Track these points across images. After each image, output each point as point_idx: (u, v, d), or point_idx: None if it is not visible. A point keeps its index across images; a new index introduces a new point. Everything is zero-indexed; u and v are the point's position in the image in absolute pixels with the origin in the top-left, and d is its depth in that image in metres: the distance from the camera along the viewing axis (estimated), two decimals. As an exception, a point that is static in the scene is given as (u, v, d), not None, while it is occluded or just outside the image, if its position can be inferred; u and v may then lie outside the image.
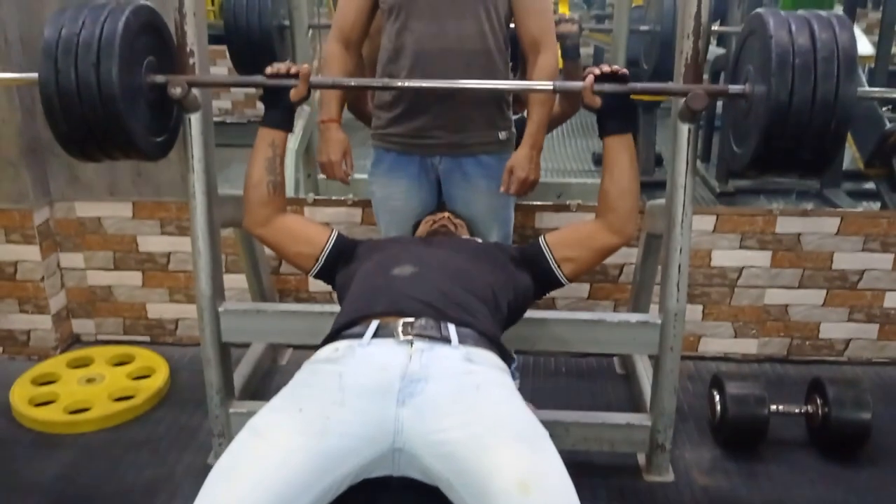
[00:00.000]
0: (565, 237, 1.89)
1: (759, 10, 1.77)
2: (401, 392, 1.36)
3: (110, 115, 1.74)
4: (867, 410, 2.26)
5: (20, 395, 2.52)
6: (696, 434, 2.44)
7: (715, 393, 2.39)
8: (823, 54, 1.63)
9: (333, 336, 1.58)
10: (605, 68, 1.83)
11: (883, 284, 2.74)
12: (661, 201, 2.15)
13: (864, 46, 5.12)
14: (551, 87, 1.96)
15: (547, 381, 2.75)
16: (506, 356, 1.60)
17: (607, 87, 1.81)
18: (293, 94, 1.86)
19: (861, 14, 5.27)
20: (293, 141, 3.33)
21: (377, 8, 2.18)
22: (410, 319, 1.52)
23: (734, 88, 1.83)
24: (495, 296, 1.73)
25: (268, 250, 2.67)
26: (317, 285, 2.83)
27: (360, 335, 1.51)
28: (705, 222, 2.69)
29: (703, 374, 2.75)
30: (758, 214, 2.71)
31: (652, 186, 4.30)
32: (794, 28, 1.67)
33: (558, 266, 1.84)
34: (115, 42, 1.72)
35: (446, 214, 2.14)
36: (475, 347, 1.51)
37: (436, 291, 1.62)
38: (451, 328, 1.52)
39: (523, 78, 2.31)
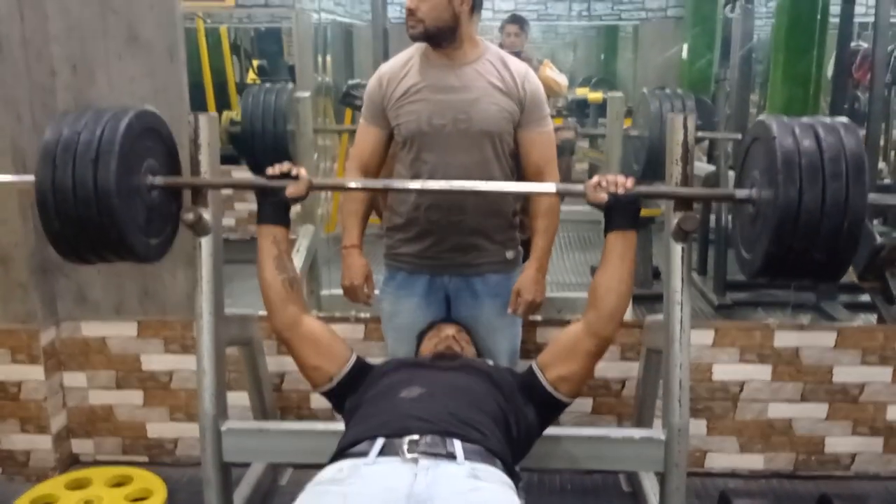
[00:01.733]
0: (553, 354, 1.88)
1: (762, 116, 1.80)
2: None
3: (104, 212, 1.73)
4: (878, 528, 2.23)
5: (17, 518, 2.47)
6: (706, 554, 2.39)
7: (723, 510, 2.35)
8: (830, 155, 1.63)
9: (338, 456, 1.58)
10: (611, 179, 1.84)
11: (884, 398, 2.74)
12: (660, 316, 2.18)
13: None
14: (554, 189, 2.00)
15: (552, 499, 2.71)
16: (513, 474, 1.60)
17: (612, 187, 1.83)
18: (290, 191, 1.88)
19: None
20: (298, 260, 3.40)
21: (391, 138, 2.31)
22: (416, 437, 1.52)
23: (741, 193, 1.83)
24: (505, 415, 1.74)
25: (271, 367, 2.73)
26: (318, 402, 2.83)
27: (365, 454, 1.51)
28: (704, 336, 2.72)
29: (710, 491, 2.71)
30: (756, 329, 2.74)
31: (651, 299, 4.34)
32: (798, 132, 1.68)
33: (555, 388, 1.83)
34: (116, 141, 1.74)
35: (451, 333, 2.15)
36: (481, 463, 1.51)
37: (443, 410, 1.63)
38: (457, 444, 1.52)
39: (528, 206, 2.39)
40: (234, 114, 6.83)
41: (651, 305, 4.33)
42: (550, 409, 1.86)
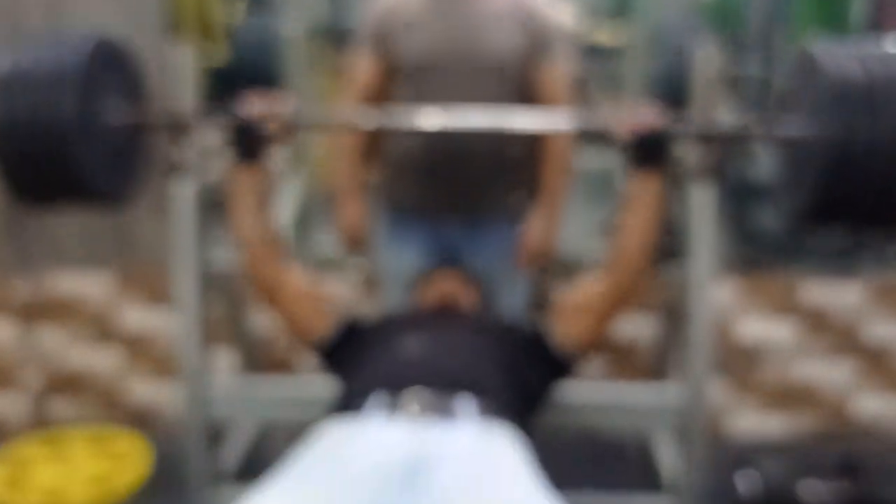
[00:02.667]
0: (564, 312, 1.73)
1: (805, 47, 1.60)
2: (409, 477, 1.26)
3: (62, 150, 1.54)
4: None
5: (-8, 478, 2.38)
6: (723, 518, 2.28)
7: (743, 474, 2.26)
8: (883, 85, 1.45)
9: (335, 412, 1.51)
10: (638, 113, 1.67)
11: (914, 359, 2.62)
12: (680, 271, 2.04)
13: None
14: (572, 126, 1.81)
15: (562, 459, 2.57)
16: (524, 430, 1.50)
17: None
18: (273, 128, 1.67)
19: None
20: (287, 211, 3.22)
21: (390, 72, 2.12)
22: (417, 393, 1.44)
23: (783, 130, 1.65)
24: (510, 369, 1.64)
25: (257, 321, 2.61)
26: (305, 358, 2.70)
27: (364, 413, 1.43)
28: (727, 292, 2.59)
29: (728, 452, 2.59)
30: (781, 283, 2.61)
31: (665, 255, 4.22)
32: (846, 61, 1.49)
33: (564, 348, 1.70)
34: (77, 73, 1.54)
35: (450, 289, 1.97)
36: (489, 422, 1.43)
37: (446, 363, 1.56)
38: (462, 401, 1.44)
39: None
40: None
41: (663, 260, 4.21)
42: (557, 369, 1.73)
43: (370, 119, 2.07)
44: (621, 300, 1.69)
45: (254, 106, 1.67)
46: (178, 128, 1.82)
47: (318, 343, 1.75)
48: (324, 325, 1.74)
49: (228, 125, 1.69)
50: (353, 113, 2.12)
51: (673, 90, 3.25)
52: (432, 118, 1.84)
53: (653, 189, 1.67)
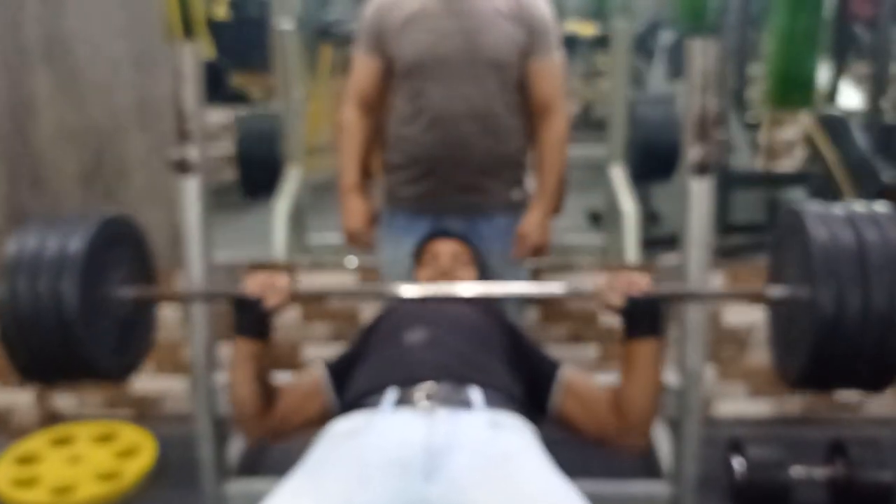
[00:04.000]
0: (584, 394, 1.68)
1: (793, 205, 1.56)
2: (425, 466, 1.28)
3: (69, 338, 1.52)
4: (891, 472, 2.19)
5: (2, 475, 2.39)
6: (716, 501, 2.34)
7: (734, 458, 2.31)
8: (874, 253, 1.41)
9: (349, 408, 1.51)
10: (624, 280, 1.62)
11: (897, 340, 2.66)
12: (674, 259, 2.09)
13: (855, 99, 5.18)
14: (563, 292, 1.80)
15: (557, 448, 2.62)
16: (532, 417, 1.53)
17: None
18: (270, 302, 1.64)
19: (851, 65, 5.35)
20: (283, 203, 3.25)
21: (389, 69, 2.14)
22: (430, 385, 1.46)
23: (774, 292, 1.61)
24: (510, 354, 1.66)
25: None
26: (310, 353, 2.73)
27: (378, 405, 1.44)
28: (714, 279, 2.62)
29: (717, 437, 2.64)
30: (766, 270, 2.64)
31: (649, 243, 4.26)
32: (835, 225, 1.46)
33: (553, 409, 1.67)
34: (81, 256, 1.53)
35: (447, 268, 1.97)
36: (500, 410, 1.44)
37: (453, 354, 1.56)
38: (473, 392, 1.45)
39: (532, 141, 2.26)
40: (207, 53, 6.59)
41: (650, 250, 4.25)
42: (532, 411, 1.65)
43: (366, 294, 2.08)
44: (627, 448, 1.68)
45: (255, 283, 1.66)
46: (184, 301, 1.82)
47: (331, 407, 1.68)
48: (322, 397, 1.70)
49: (231, 300, 1.70)
50: (351, 285, 2.14)
51: (653, 159, 3.38)
52: (419, 290, 1.78)
53: (651, 351, 1.62)
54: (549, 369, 1.70)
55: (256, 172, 3.50)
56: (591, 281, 1.71)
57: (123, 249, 1.71)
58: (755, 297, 1.67)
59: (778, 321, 1.65)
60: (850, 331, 1.40)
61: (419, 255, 2.07)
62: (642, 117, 3.35)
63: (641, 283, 1.60)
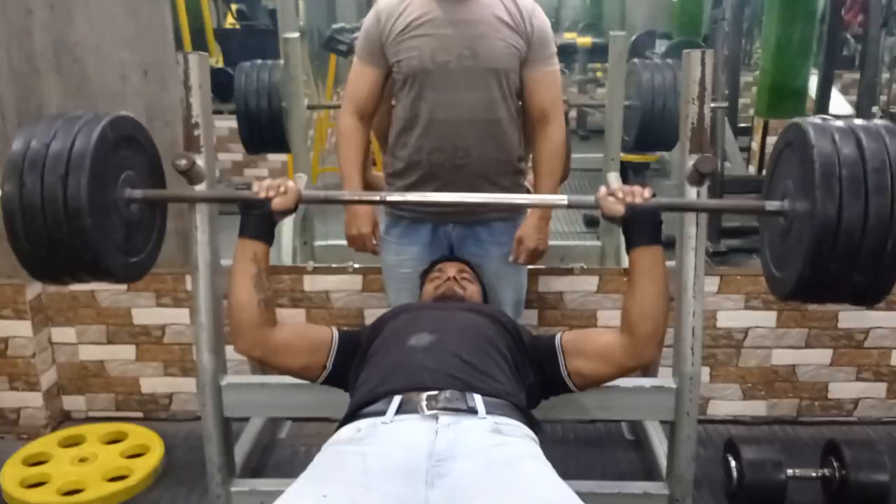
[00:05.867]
0: (582, 345, 1.74)
1: (796, 119, 1.58)
2: (429, 473, 1.30)
3: (76, 232, 1.54)
4: (885, 472, 2.22)
5: (11, 476, 2.42)
6: (712, 501, 2.38)
7: (730, 458, 2.34)
8: (874, 165, 1.42)
9: (353, 415, 1.53)
10: (626, 189, 1.67)
11: (889, 342, 2.72)
12: (669, 263, 2.13)
13: (844, 107, 5.25)
14: (566, 202, 1.82)
15: (556, 450, 2.66)
16: (533, 423, 1.56)
17: (629, 199, 1.65)
18: (277, 202, 1.69)
19: (837, 74, 5.43)
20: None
21: (388, 77, 2.19)
22: (434, 392, 1.47)
23: (771, 205, 1.63)
24: (515, 360, 1.69)
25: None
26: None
27: (383, 412, 1.46)
28: (709, 283, 2.67)
29: (713, 438, 2.70)
30: (760, 275, 2.67)
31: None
32: (837, 138, 1.47)
33: (570, 377, 1.72)
34: (88, 153, 1.55)
35: (452, 275, 2.05)
36: (503, 417, 1.46)
37: (457, 359, 1.57)
38: (477, 398, 1.48)
39: (530, 149, 2.32)
40: (214, 60, 6.67)
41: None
42: (555, 388, 1.76)
43: (373, 195, 2.13)
44: (644, 362, 1.71)
45: (262, 186, 1.72)
46: (190, 202, 1.88)
47: (324, 371, 1.76)
48: (323, 355, 1.75)
49: (240, 202, 1.75)
50: (355, 193, 2.20)
51: (653, 132, 3.39)
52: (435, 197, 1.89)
53: (655, 259, 1.67)
54: (549, 347, 1.75)
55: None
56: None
57: (131, 150, 1.74)
58: (754, 210, 1.70)
59: (773, 236, 1.68)
60: (848, 241, 1.42)
61: (426, 275, 2.13)
62: (645, 83, 3.33)
63: (643, 192, 1.66)
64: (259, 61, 3.52)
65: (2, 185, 1.57)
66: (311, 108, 3.99)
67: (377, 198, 2.07)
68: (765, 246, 1.74)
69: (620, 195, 1.65)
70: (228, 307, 1.75)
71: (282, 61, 3.52)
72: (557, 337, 1.76)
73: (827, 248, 1.44)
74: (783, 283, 1.62)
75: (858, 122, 1.52)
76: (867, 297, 1.57)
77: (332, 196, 2.10)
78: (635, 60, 3.48)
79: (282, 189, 1.70)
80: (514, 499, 1.26)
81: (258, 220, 1.72)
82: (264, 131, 3.47)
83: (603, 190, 1.68)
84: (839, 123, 1.52)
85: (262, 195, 1.70)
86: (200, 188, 1.97)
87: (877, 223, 1.42)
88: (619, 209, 1.64)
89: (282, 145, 3.59)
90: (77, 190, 1.53)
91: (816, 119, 1.56)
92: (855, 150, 1.45)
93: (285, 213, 1.74)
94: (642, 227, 1.67)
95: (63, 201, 1.53)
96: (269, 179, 1.74)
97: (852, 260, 1.44)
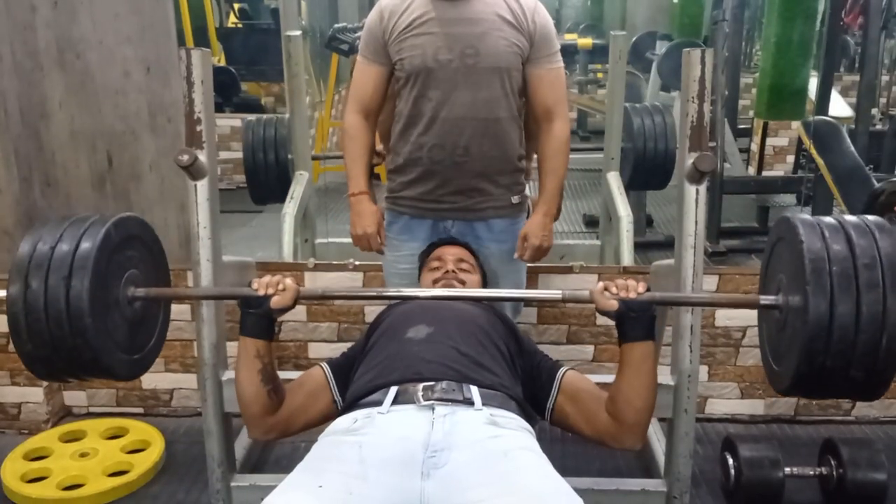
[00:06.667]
0: (580, 396, 1.73)
1: (785, 214, 1.60)
2: (424, 463, 1.32)
3: (77, 332, 1.56)
4: (883, 471, 2.23)
5: (12, 470, 2.42)
6: (710, 499, 2.39)
7: (728, 456, 2.35)
8: (864, 261, 1.43)
9: (350, 406, 1.55)
10: (620, 284, 1.66)
11: (886, 342, 2.72)
12: (668, 262, 2.14)
13: (843, 109, 5.26)
14: (560, 297, 1.80)
15: (554, 447, 2.69)
16: (529, 416, 1.57)
17: (623, 293, 1.64)
18: (276, 301, 1.68)
19: (836, 76, 5.45)
20: (291, 207, 3.32)
21: (392, 76, 2.20)
22: (430, 383, 1.49)
23: (766, 299, 1.64)
24: (510, 352, 1.71)
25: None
26: (316, 352, 2.78)
27: (379, 403, 1.48)
28: (708, 282, 2.68)
29: (711, 436, 2.71)
30: (759, 274, 2.69)
31: (643, 247, 4.33)
32: (827, 234, 1.49)
33: (552, 412, 1.72)
34: (91, 255, 1.58)
35: (451, 268, 2.05)
36: (499, 409, 1.48)
37: (454, 351, 1.59)
38: (474, 389, 1.49)
39: (533, 146, 2.33)
40: (216, 59, 6.69)
41: (644, 253, 4.32)
42: (531, 408, 1.73)
43: (371, 291, 2.13)
44: (624, 448, 1.72)
45: (261, 283, 1.71)
46: (191, 300, 1.87)
47: (336, 405, 1.75)
48: (326, 395, 1.75)
49: (238, 300, 1.76)
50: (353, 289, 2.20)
51: (646, 173, 3.42)
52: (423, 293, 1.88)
53: (646, 354, 1.66)
54: (549, 371, 1.75)
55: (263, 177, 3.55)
56: (587, 287, 1.71)
57: (135, 249, 1.76)
58: (749, 304, 1.70)
59: (770, 329, 1.68)
60: (842, 337, 1.42)
61: (425, 260, 2.13)
62: (637, 128, 3.40)
63: (637, 287, 1.65)
64: (265, 116, 3.60)
65: (7, 287, 1.59)
66: (314, 158, 4.03)
67: (373, 293, 2.06)
68: (763, 340, 1.74)
69: (614, 290, 1.64)
70: (238, 400, 1.76)
71: (287, 115, 3.57)
72: (561, 371, 1.75)
73: (821, 344, 1.44)
74: (781, 378, 1.61)
75: (849, 218, 1.54)
76: (866, 393, 1.54)
77: (330, 292, 2.13)
78: (626, 105, 3.53)
79: (280, 287, 1.69)
80: (508, 490, 1.27)
81: (257, 319, 1.71)
82: (272, 184, 3.53)
83: (599, 285, 1.67)
84: (829, 220, 1.54)
85: (262, 292, 1.69)
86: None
87: (870, 319, 1.42)
88: (613, 304, 1.62)
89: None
90: (80, 291, 1.56)
91: (806, 216, 1.57)
92: (845, 247, 1.46)
93: (284, 310, 1.72)
94: (635, 323, 1.65)
95: (65, 302, 1.55)
96: (268, 276, 1.73)
97: (847, 356, 1.44)
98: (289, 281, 1.72)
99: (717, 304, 1.96)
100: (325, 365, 1.79)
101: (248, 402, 1.72)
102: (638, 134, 3.41)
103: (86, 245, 1.59)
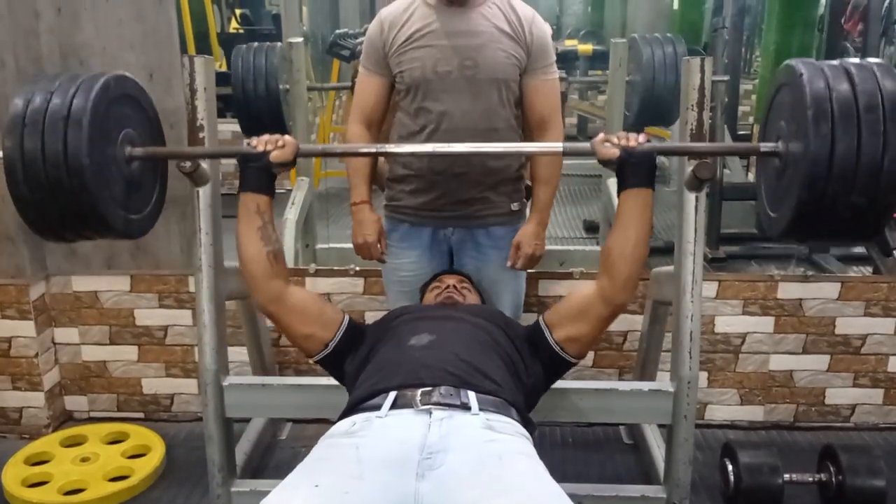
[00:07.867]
0: (562, 313, 1.79)
1: (789, 60, 1.62)
2: (420, 465, 1.33)
3: (78, 190, 1.58)
4: (881, 478, 2.24)
5: (13, 475, 2.43)
6: (710, 505, 2.39)
7: (727, 462, 2.36)
8: (866, 100, 1.46)
9: (350, 410, 1.56)
10: (621, 134, 1.72)
11: (886, 349, 2.74)
12: (668, 268, 2.15)
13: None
14: (560, 149, 1.90)
15: (554, 453, 2.70)
16: (527, 422, 1.58)
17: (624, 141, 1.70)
18: (275, 155, 1.72)
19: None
20: (293, 212, 3.33)
21: (393, 87, 2.22)
22: (429, 388, 1.50)
23: (766, 146, 1.68)
24: (514, 361, 1.72)
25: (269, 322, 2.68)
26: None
27: (378, 407, 1.49)
28: (708, 289, 2.69)
29: (710, 443, 2.71)
30: (759, 280, 2.72)
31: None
32: (830, 77, 1.50)
33: (562, 348, 1.76)
34: (88, 106, 1.58)
35: (452, 283, 2.10)
36: (496, 414, 1.49)
37: (454, 358, 1.60)
38: (471, 395, 1.50)
39: (529, 159, 2.34)
40: (217, 64, 6.70)
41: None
42: (556, 366, 1.80)
43: (370, 147, 2.17)
44: (617, 306, 1.75)
45: (260, 140, 1.76)
46: (190, 158, 1.90)
47: (324, 349, 1.78)
48: (329, 331, 1.77)
49: (238, 156, 1.78)
50: (350, 146, 2.22)
51: (653, 104, 3.37)
52: (429, 148, 1.95)
53: (644, 202, 1.71)
54: (536, 330, 1.80)
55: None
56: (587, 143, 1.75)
57: (132, 109, 1.78)
58: (749, 152, 1.73)
59: (769, 178, 1.72)
60: (842, 175, 1.45)
61: (427, 287, 2.16)
62: (646, 58, 3.31)
63: (637, 137, 1.71)
64: (255, 44, 3.51)
65: (3, 137, 1.60)
66: (310, 89, 4.02)
67: (374, 150, 2.11)
68: (761, 189, 1.78)
69: (615, 140, 1.70)
70: (239, 260, 1.78)
71: (279, 44, 3.53)
72: (540, 319, 1.81)
73: (819, 186, 1.47)
74: (778, 221, 1.66)
75: (851, 61, 1.57)
76: (867, 224, 1.56)
77: (330, 149, 2.13)
78: (635, 35, 3.46)
79: (280, 143, 1.74)
80: (502, 493, 1.28)
81: (258, 173, 1.75)
82: (262, 115, 3.46)
83: (600, 136, 1.73)
84: (832, 62, 1.57)
85: (261, 148, 1.74)
86: (204, 190, 2.00)
87: (869, 161, 1.45)
88: (615, 152, 1.69)
89: (280, 128, 3.58)
90: (78, 133, 1.57)
91: (809, 60, 1.60)
92: (847, 86, 1.48)
93: (284, 165, 1.76)
94: (636, 168, 1.70)
95: (63, 144, 1.56)
96: (266, 135, 1.77)
97: (844, 198, 1.47)
98: (288, 137, 1.76)
99: (716, 153, 1.94)
100: (346, 319, 1.81)
101: (247, 260, 1.75)
102: (647, 65, 3.31)
103: (84, 93, 1.60)
